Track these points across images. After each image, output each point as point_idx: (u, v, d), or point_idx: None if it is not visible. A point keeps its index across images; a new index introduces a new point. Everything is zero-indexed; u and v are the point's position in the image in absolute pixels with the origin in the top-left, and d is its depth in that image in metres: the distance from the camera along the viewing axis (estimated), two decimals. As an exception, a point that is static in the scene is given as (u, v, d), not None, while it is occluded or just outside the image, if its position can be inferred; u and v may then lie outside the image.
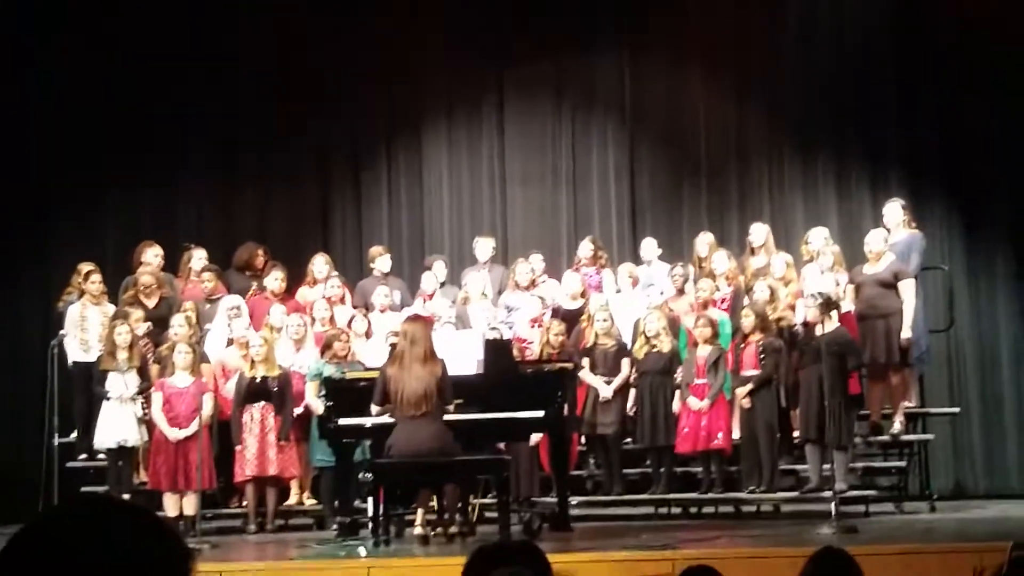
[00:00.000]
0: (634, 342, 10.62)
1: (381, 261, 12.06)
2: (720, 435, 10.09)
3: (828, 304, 9.55)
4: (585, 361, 10.53)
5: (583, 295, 11.28)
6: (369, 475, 9.03)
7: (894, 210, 10.99)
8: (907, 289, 10.32)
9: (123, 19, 13.14)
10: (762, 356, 9.98)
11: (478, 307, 11.38)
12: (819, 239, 10.99)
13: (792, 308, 10.56)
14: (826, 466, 9.42)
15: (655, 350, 10.39)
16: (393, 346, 8.72)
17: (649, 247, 11.99)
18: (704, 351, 10.24)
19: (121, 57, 13.12)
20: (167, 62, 13.27)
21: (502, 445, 9.68)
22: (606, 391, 10.45)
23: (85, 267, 11.23)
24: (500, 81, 13.79)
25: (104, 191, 13.34)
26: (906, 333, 10.26)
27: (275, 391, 10.21)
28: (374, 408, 8.46)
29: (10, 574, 1.46)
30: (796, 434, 10.04)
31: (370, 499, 8.82)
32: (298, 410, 10.37)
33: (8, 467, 11.96)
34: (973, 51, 12.29)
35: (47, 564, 1.45)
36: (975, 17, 12.23)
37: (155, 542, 1.52)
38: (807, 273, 10.87)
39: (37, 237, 12.95)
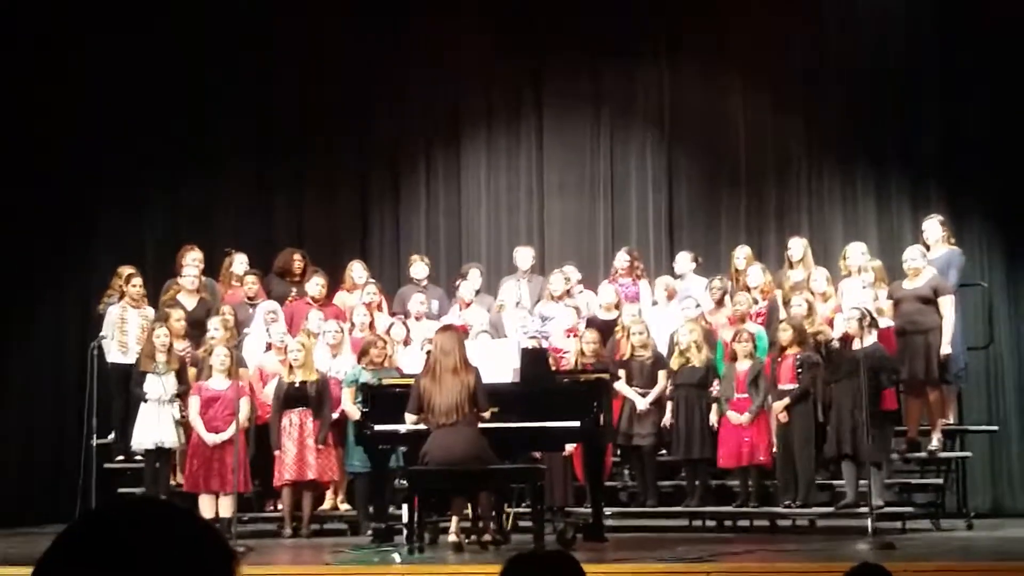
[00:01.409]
0: (670, 354, 10.60)
1: (415, 268, 12.10)
2: (762, 450, 10.05)
3: (869, 319, 9.50)
4: (621, 372, 10.52)
5: (618, 306, 11.27)
6: (404, 482, 9.04)
7: (933, 226, 10.93)
8: (947, 305, 10.26)
9: (166, 25, 13.25)
10: (799, 370, 9.94)
11: (512, 316, 11.40)
12: (857, 254, 10.95)
13: (830, 323, 10.51)
14: (863, 481, 9.36)
15: (688, 363, 10.37)
16: (428, 354, 8.75)
17: (683, 260, 11.96)
18: (744, 366, 10.20)
19: (162, 61, 13.22)
20: (208, 67, 13.38)
21: (537, 454, 9.69)
22: (642, 404, 10.44)
23: (126, 270, 11.32)
24: (539, 91, 13.82)
25: (144, 195, 13.45)
26: (945, 349, 10.20)
27: (313, 396, 10.26)
28: (409, 417, 8.49)
29: (57, 575, 1.48)
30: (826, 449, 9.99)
31: (405, 506, 8.84)
32: (334, 415, 10.42)
33: (47, 467, 12.07)
34: (1018, 64, 12.20)
35: (93, 565, 1.47)
36: (1021, 28, 12.15)
37: (200, 543, 1.53)
38: (845, 288, 10.83)
39: (77, 240, 13.05)
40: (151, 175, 13.34)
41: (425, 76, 13.68)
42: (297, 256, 12.17)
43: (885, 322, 10.31)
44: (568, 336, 11.00)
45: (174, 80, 13.27)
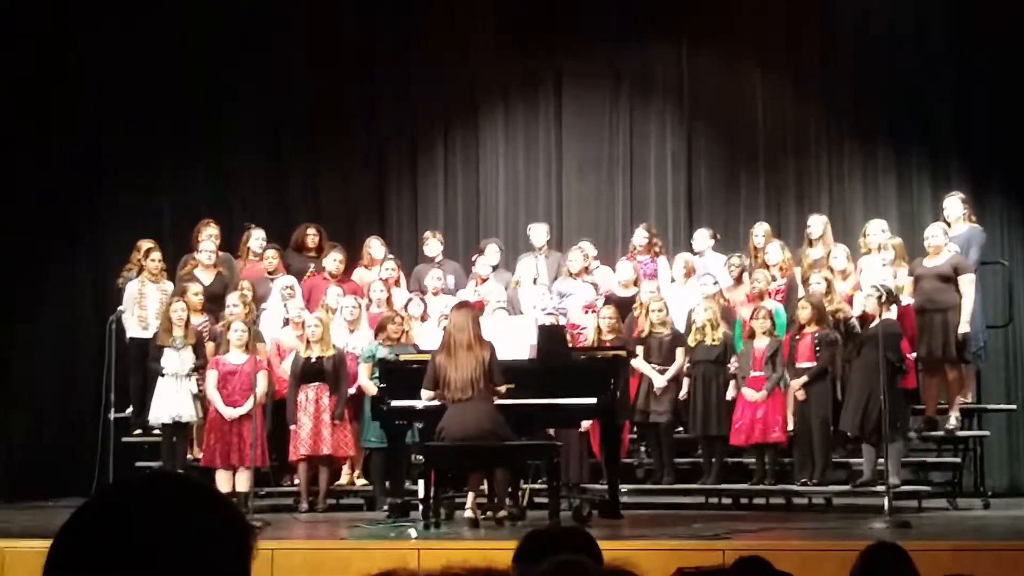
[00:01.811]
0: (687, 332, 10.59)
1: (429, 246, 12.10)
2: (776, 428, 10.04)
3: (888, 297, 9.46)
4: (639, 349, 10.51)
5: (636, 283, 11.25)
6: (420, 457, 9.07)
7: (954, 203, 10.88)
8: (966, 284, 10.21)
9: (182, 3, 13.24)
10: (817, 348, 9.91)
11: (529, 292, 11.39)
12: (877, 231, 10.91)
13: (849, 301, 10.48)
14: (879, 460, 9.34)
15: (704, 340, 10.36)
16: (444, 330, 8.76)
17: (701, 238, 11.92)
18: (761, 343, 10.18)
19: (175, 38, 13.20)
20: (220, 42, 13.35)
21: (552, 431, 9.70)
22: (660, 381, 10.42)
23: (145, 244, 11.33)
24: (558, 68, 13.77)
25: (159, 169, 13.43)
26: (964, 328, 10.15)
27: (330, 371, 10.28)
28: (425, 393, 8.52)
29: (75, 547, 1.48)
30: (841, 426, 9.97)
31: (421, 481, 8.86)
32: (351, 390, 10.44)
33: (64, 441, 12.12)
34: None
35: (111, 539, 1.47)
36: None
37: (218, 518, 1.53)
38: (865, 265, 10.79)
39: (91, 215, 13.06)
40: (166, 151, 13.33)
41: (443, 52, 13.65)
42: (311, 231, 12.18)
43: (905, 300, 10.27)
44: (586, 313, 10.99)
45: (190, 57, 13.25)
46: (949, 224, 10.71)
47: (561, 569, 2.16)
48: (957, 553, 6.71)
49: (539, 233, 12.25)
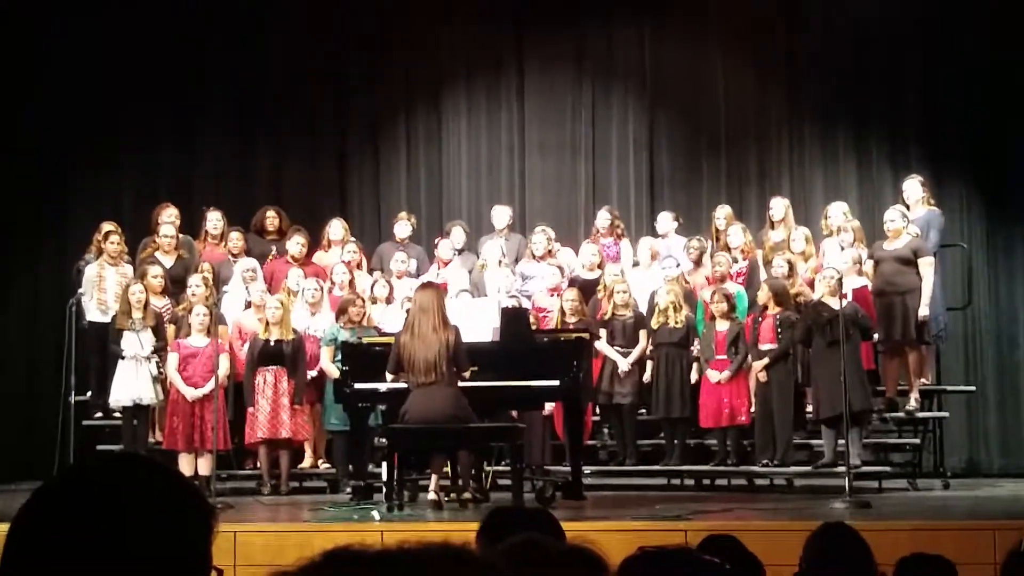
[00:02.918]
0: (650, 314, 10.61)
1: (400, 227, 12.05)
2: (743, 410, 10.08)
3: (840, 279, 9.52)
4: (602, 332, 10.53)
5: (600, 266, 11.26)
6: (383, 440, 9.06)
7: (913, 187, 10.96)
8: (926, 266, 10.28)
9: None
10: (779, 330, 9.96)
11: (494, 275, 11.38)
12: (838, 214, 10.97)
13: (809, 283, 10.53)
14: (840, 441, 9.40)
15: (668, 323, 10.39)
16: (408, 312, 8.74)
17: (665, 220, 11.95)
18: (723, 326, 10.22)
19: (142, 20, 13.07)
20: (188, 25, 13.25)
21: (514, 413, 9.71)
22: (624, 364, 10.45)
23: (106, 227, 11.24)
24: (520, 50, 13.74)
25: (122, 154, 13.35)
26: (923, 311, 10.23)
27: (288, 354, 10.24)
28: (388, 375, 8.51)
29: (35, 529, 1.47)
30: (810, 409, 10.03)
31: (384, 464, 8.85)
32: (312, 373, 10.41)
33: (24, 425, 12.03)
34: (997, 28, 12.19)
35: (71, 520, 1.45)
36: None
37: (180, 499, 1.52)
38: (827, 248, 10.85)
39: (55, 199, 12.96)
40: (130, 136, 13.24)
41: (406, 33, 13.59)
42: (271, 213, 12.12)
43: (862, 281, 10.33)
44: (551, 295, 10.99)
45: (155, 42, 13.12)
46: (908, 207, 10.78)
47: (522, 547, 2.16)
48: (917, 533, 6.77)
49: (501, 215, 12.22)
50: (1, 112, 12.57)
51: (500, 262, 11.51)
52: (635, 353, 10.50)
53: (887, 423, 10.73)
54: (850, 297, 9.67)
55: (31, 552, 1.45)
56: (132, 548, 1.44)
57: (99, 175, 13.15)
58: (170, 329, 10.54)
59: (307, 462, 10.66)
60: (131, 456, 1.60)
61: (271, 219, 12.05)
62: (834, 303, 9.46)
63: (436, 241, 12.03)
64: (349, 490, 9.52)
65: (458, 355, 8.22)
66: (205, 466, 9.79)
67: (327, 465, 10.65)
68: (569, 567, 2.09)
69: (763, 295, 10.09)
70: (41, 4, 12.85)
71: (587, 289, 10.91)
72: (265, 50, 13.68)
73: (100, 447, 10.69)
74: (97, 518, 1.45)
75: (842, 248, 10.49)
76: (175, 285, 10.93)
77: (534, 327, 10.02)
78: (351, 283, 11.11)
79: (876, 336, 10.30)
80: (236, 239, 11.68)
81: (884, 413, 10.46)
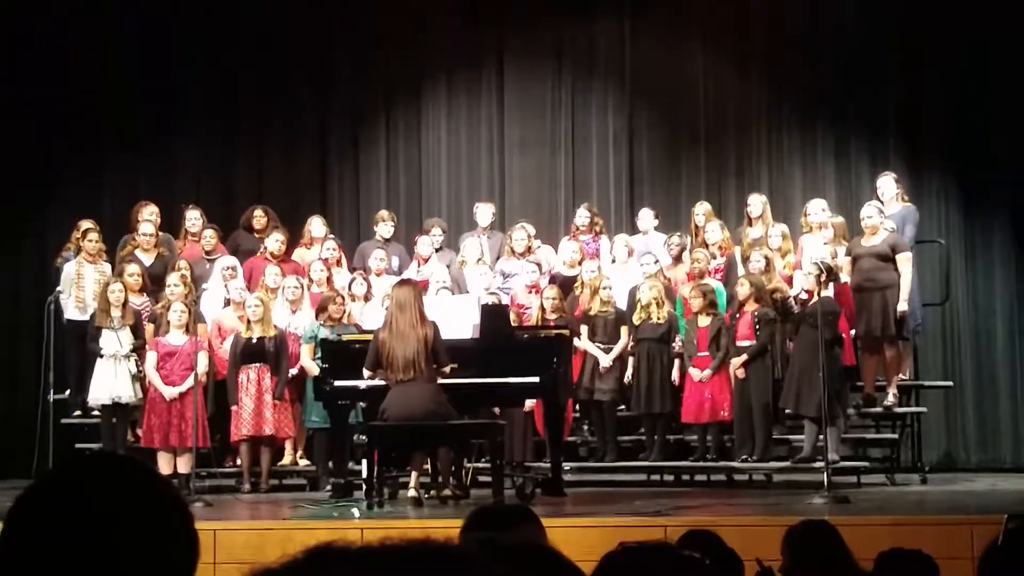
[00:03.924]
0: (631, 310, 10.63)
1: (382, 227, 12.02)
2: (725, 406, 10.11)
3: (828, 274, 9.54)
4: (583, 328, 10.55)
5: (581, 262, 11.27)
6: (363, 437, 9.06)
7: (887, 183, 11.01)
8: (904, 262, 10.32)
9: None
10: (757, 326, 9.99)
11: (474, 272, 11.39)
12: (818, 210, 10.99)
13: (787, 280, 10.57)
14: (819, 436, 9.43)
15: (650, 319, 10.41)
16: (387, 309, 8.74)
17: (646, 217, 11.97)
18: (705, 322, 10.24)
19: (121, 19, 13.05)
20: (167, 24, 13.21)
21: (496, 410, 9.71)
22: (605, 360, 10.47)
23: (84, 224, 11.21)
24: (500, 46, 13.74)
25: (103, 153, 13.32)
26: (902, 306, 10.26)
27: (271, 352, 10.23)
28: (365, 372, 8.50)
29: (22, 531, 1.47)
30: (782, 404, 10.06)
31: (364, 461, 8.85)
32: (293, 371, 10.40)
33: (2, 422, 11.99)
34: (975, 23, 12.25)
35: (57, 520, 1.46)
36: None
37: (158, 498, 1.52)
38: (805, 243, 10.89)
39: (35, 198, 12.94)
40: (110, 133, 13.21)
41: (385, 31, 13.57)
42: (258, 211, 12.10)
43: (843, 278, 10.37)
44: (530, 292, 11.00)
45: (132, 38, 13.09)
46: (883, 203, 10.82)
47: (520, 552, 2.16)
48: (895, 528, 6.81)
49: (484, 213, 12.22)
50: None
51: (479, 259, 11.51)
52: (616, 349, 10.52)
53: (865, 418, 10.77)
54: (831, 293, 9.71)
55: (15, 558, 1.46)
56: (113, 550, 1.45)
57: (79, 173, 13.12)
58: (149, 328, 10.51)
59: (287, 459, 10.65)
60: (110, 456, 1.61)
61: (258, 217, 12.02)
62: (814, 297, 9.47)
63: (415, 238, 12.02)
64: (329, 487, 9.52)
65: (437, 351, 8.22)
66: (184, 464, 9.77)
67: (307, 462, 10.64)
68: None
69: (742, 291, 10.12)
70: (20, 7, 12.78)
71: (566, 286, 10.93)
72: (245, 48, 13.64)
73: (79, 445, 10.67)
74: (81, 519, 1.46)
75: (824, 244, 10.54)
76: (155, 283, 10.90)
77: (514, 324, 10.02)
78: (329, 280, 11.10)
79: (852, 333, 10.32)
80: (210, 237, 11.64)
81: (862, 408, 10.50)
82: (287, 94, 13.69)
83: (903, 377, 10.67)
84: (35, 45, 12.80)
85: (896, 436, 10.71)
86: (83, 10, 12.96)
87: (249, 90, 13.66)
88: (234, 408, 10.26)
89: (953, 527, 6.85)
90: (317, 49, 13.68)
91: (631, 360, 10.54)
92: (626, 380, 10.53)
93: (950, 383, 11.80)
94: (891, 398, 10.42)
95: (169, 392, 9.91)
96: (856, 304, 10.31)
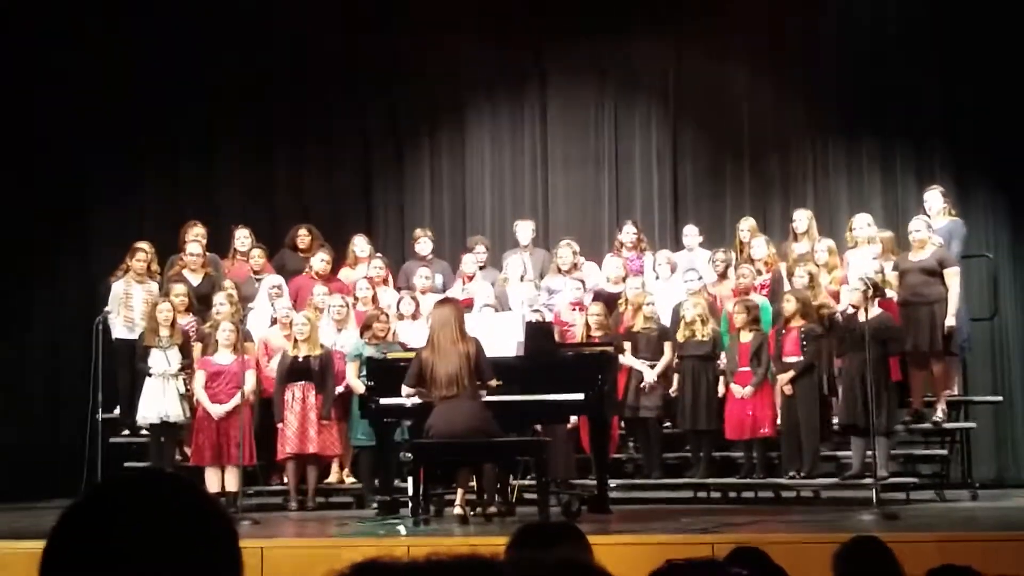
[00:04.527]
0: (674, 327, 10.60)
1: (420, 244, 12.09)
2: (767, 423, 10.06)
3: (874, 290, 9.49)
4: (627, 345, 10.53)
5: (625, 279, 11.26)
6: (409, 455, 9.07)
7: (935, 197, 10.93)
8: (952, 277, 10.24)
9: (165, 5, 13.22)
10: (804, 342, 9.94)
11: (518, 289, 11.40)
12: (863, 225, 10.93)
13: (834, 295, 10.51)
14: (868, 452, 9.36)
15: (694, 336, 10.38)
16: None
17: (691, 234, 11.96)
18: (747, 338, 10.20)
19: (159, 40, 13.16)
20: (208, 42, 13.32)
21: (539, 427, 9.71)
22: (650, 375, 10.45)
23: (137, 245, 11.31)
24: (542, 65, 13.78)
25: (144, 173, 13.44)
26: (950, 320, 10.18)
27: (316, 370, 10.28)
28: (405, 389, 8.50)
29: (67, 547, 1.48)
30: (836, 420, 10.00)
31: (410, 478, 8.86)
32: (339, 389, 10.44)
33: (50, 443, 12.09)
34: (1016, 31, 12.16)
35: (103, 536, 1.47)
36: None
37: (204, 515, 1.53)
38: (851, 259, 10.82)
39: (77, 218, 13.05)
40: (152, 153, 13.34)
41: (428, 50, 13.63)
42: (303, 231, 12.17)
43: (891, 293, 10.29)
44: (574, 310, 10.99)
45: (176, 58, 13.20)
46: (930, 217, 10.75)
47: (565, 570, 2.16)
48: (945, 544, 6.74)
49: (525, 230, 12.25)
50: (22, 131, 12.66)
51: (522, 276, 11.52)
52: (660, 365, 10.49)
53: (914, 434, 10.68)
54: (878, 309, 9.66)
55: (65, 571, 1.47)
56: (161, 566, 1.46)
57: (121, 194, 13.21)
58: (196, 347, 10.58)
59: (334, 477, 10.69)
60: (156, 473, 1.62)
61: (302, 236, 12.10)
62: (861, 314, 9.41)
63: (460, 256, 12.05)
64: (375, 505, 9.53)
65: (480, 366, 8.23)
66: (232, 482, 9.83)
67: (353, 480, 10.67)
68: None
69: (789, 307, 10.06)
70: (59, 21, 12.93)
71: (611, 302, 10.92)
72: (289, 68, 13.73)
73: (127, 464, 10.75)
74: (126, 536, 1.46)
75: (873, 259, 10.49)
76: (202, 303, 10.99)
77: (558, 341, 10.02)
78: (374, 299, 11.15)
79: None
80: (258, 256, 11.74)
81: (911, 424, 10.42)
82: (331, 114, 13.75)
83: (952, 392, 10.58)
84: (70, 73, 12.88)
85: (946, 452, 10.61)
86: (121, 28, 13.07)
87: (291, 111, 13.73)
88: (279, 426, 10.31)
89: (1004, 543, 6.78)
90: (360, 69, 13.75)
91: (676, 376, 10.51)
92: (672, 393, 10.49)
93: (999, 398, 11.69)
94: (940, 414, 10.34)
95: (216, 410, 9.98)
96: (903, 319, 10.24)
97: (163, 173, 13.47)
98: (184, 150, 13.47)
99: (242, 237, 11.95)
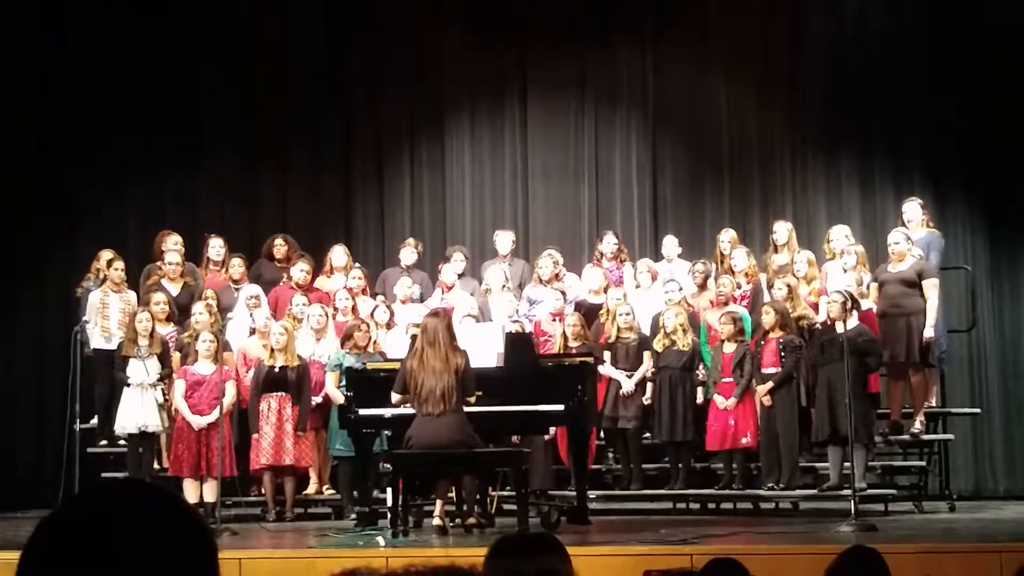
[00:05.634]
0: (654, 337, 10.62)
1: (405, 253, 12.07)
2: (748, 433, 10.07)
3: (851, 302, 9.52)
4: (606, 355, 10.54)
5: (606, 289, 11.27)
6: (388, 465, 9.05)
7: (913, 208, 10.98)
8: (931, 288, 10.29)
9: (146, 10, 13.19)
10: (782, 354, 9.96)
11: (499, 299, 11.39)
12: (841, 237, 10.98)
13: (813, 306, 10.54)
14: (846, 464, 9.39)
15: (674, 346, 10.39)
16: (414, 338, 8.73)
17: (670, 245, 11.98)
18: (730, 348, 10.22)
19: (143, 48, 13.15)
20: (189, 52, 13.30)
21: (516, 438, 9.70)
22: (628, 384, 10.46)
23: (106, 254, 11.28)
24: (523, 76, 13.78)
25: (126, 183, 13.39)
26: (928, 332, 10.23)
27: (293, 381, 10.24)
28: (395, 397, 8.45)
29: (44, 558, 1.48)
30: (814, 431, 10.01)
31: (389, 489, 8.84)
32: (316, 399, 10.41)
33: (29, 453, 12.03)
34: (998, 49, 12.24)
35: (78, 549, 1.46)
36: (1002, 16, 12.22)
37: (183, 526, 1.53)
38: (829, 270, 10.86)
39: (60, 228, 13.01)
40: (134, 163, 13.29)
41: (409, 60, 13.64)
42: (279, 240, 12.14)
43: (867, 304, 10.33)
44: (554, 320, 11.00)
45: (155, 67, 13.17)
46: (908, 228, 10.79)
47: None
48: (923, 556, 6.76)
49: (504, 240, 12.25)
50: (3, 139, 12.61)
51: (503, 287, 11.52)
52: (638, 373, 10.50)
53: (892, 446, 10.71)
54: (856, 320, 9.68)
55: None
56: (138, 575, 1.45)
57: (103, 203, 13.18)
58: (176, 356, 10.54)
59: (312, 488, 10.65)
60: (134, 483, 1.61)
61: (279, 246, 12.06)
62: (839, 325, 9.44)
63: (439, 266, 12.04)
64: (354, 516, 9.51)
65: (466, 381, 8.19)
66: (210, 492, 9.78)
67: (332, 491, 10.64)
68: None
69: (768, 318, 10.09)
70: (43, 32, 12.90)
71: (592, 313, 10.93)
72: (267, 78, 13.72)
73: (105, 474, 10.69)
74: (102, 548, 1.46)
75: (845, 271, 10.51)
76: (181, 312, 10.95)
77: (537, 351, 10.02)
78: (354, 308, 11.12)
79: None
80: (238, 266, 11.71)
81: (889, 436, 10.45)
82: (312, 124, 13.74)
83: (930, 404, 10.62)
84: (54, 79, 12.89)
85: (924, 463, 10.65)
86: (105, 40, 13.05)
87: (272, 120, 13.72)
88: (254, 437, 10.27)
89: (981, 555, 6.80)
90: (342, 78, 13.75)
91: (649, 386, 10.51)
92: (645, 401, 10.49)
93: (977, 410, 11.75)
94: (918, 425, 10.37)
95: (196, 422, 9.93)
96: (882, 330, 10.27)
97: (145, 182, 13.41)
98: (169, 161, 13.42)
99: (216, 247, 11.91)
